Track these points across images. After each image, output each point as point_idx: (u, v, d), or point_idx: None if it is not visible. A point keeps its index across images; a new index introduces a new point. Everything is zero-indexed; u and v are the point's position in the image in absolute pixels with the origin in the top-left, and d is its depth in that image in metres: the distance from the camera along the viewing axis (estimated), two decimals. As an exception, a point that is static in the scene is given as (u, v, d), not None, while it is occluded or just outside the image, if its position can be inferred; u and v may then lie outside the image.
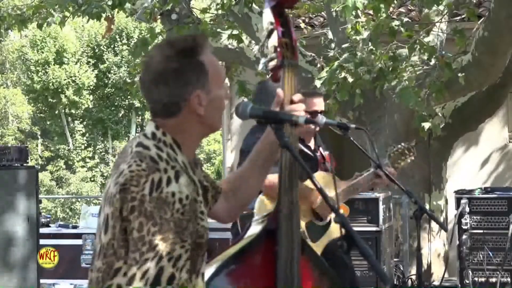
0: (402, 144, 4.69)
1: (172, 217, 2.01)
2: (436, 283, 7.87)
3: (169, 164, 2.07)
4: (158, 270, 1.99)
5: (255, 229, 2.53)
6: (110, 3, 7.93)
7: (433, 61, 7.60)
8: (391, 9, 9.25)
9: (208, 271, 2.32)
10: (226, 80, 10.67)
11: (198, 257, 2.14)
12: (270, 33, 2.42)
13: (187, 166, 2.14)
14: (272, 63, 2.41)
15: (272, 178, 2.65)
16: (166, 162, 2.07)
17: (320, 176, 4.22)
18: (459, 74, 7.24)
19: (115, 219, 2.03)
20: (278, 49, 2.40)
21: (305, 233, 4.01)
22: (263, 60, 2.44)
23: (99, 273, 2.07)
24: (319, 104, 4.39)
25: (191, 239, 2.08)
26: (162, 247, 1.99)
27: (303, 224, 4.02)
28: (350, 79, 7.35)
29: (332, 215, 4.19)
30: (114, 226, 2.04)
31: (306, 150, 4.34)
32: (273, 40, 2.41)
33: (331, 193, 4.19)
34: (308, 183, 3.94)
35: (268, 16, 2.43)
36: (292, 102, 2.41)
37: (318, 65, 8.26)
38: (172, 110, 2.13)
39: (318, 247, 3.94)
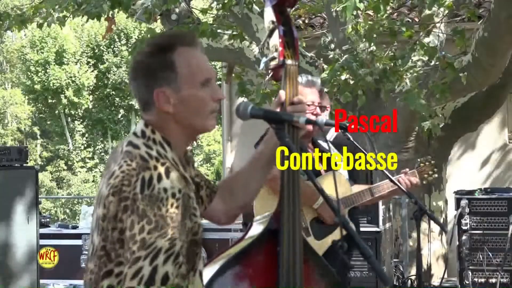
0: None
1: (168, 213, 1.99)
2: (436, 283, 7.86)
3: (159, 161, 2.06)
4: (152, 269, 1.95)
5: (256, 229, 2.52)
6: (109, 3, 7.91)
7: (433, 62, 7.59)
8: (390, 10, 9.25)
9: (210, 271, 2.31)
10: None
11: (195, 254, 2.12)
12: (271, 32, 2.41)
13: (178, 163, 2.13)
14: (273, 63, 2.39)
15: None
16: (156, 160, 2.07)
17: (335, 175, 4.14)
18: (461, 74, 7.23)
19: (107, 220, 2.02)
20: (280, 49, 2.37)
21: (309, 230, 3.93)
22: (264, 60, 2.43)
23: (92, 275, 2.07)
24: (311, 94, 3.90)
25: (187, 235, 2.06)
26: (161, 243, 1.96)
27: (308, 220, 3.95)
28: (351, 81, 7.34)
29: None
30: (106, 228, 2.03)
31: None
32: (274, 39, 2.40)
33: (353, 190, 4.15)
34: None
35: (269, 15, 2.41)
36: (293, 102, 2.38)
37: (318, 66, 8.25)
38: (146, 105, 2.18)
39: (321, 246, 3.85)
